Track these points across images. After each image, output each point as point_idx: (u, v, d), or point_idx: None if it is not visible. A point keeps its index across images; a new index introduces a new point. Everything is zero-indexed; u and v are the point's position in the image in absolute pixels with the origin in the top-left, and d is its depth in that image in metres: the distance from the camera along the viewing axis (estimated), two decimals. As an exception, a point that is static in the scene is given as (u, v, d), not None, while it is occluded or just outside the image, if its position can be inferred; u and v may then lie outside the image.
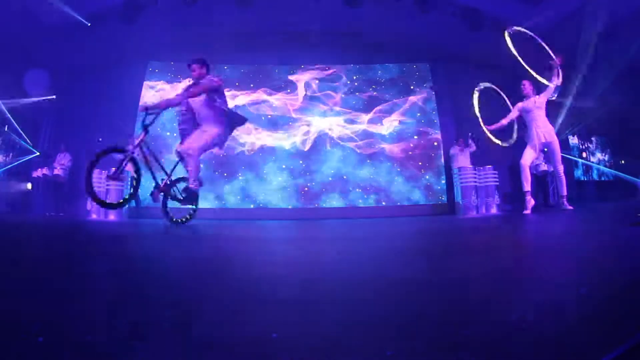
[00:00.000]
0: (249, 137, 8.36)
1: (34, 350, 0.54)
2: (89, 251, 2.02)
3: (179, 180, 4.03)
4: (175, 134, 6.54)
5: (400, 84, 8.95)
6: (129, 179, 4.71)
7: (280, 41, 8.56)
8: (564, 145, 7.16)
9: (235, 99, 8.49)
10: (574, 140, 8.86)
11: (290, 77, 8.89)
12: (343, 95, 8.84)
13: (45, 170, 7.44)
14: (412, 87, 8.90)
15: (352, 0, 7.54)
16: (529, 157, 4.99)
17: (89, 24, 7.48)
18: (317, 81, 8.89)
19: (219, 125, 3.79)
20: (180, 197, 3.94)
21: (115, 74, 8.15)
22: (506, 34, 4.90)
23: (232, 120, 3.97)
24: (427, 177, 8.41)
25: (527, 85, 5.06)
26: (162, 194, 3.85)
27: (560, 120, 7.68)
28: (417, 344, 0.56)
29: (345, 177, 8.34)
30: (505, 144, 5.20)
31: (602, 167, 8.48)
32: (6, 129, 7.80)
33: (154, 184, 3.79)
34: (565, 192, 4.90)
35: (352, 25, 8.25)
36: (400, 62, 9.12)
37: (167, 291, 0.98)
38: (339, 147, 8.52)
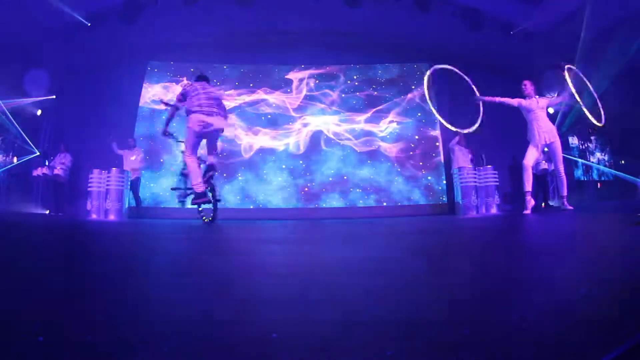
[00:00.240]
0: (248, 138, 8.36)
1: (34, 350, 0.54)
2: (89, 251, 2.02)
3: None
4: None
5: (401, 83, 8.96)
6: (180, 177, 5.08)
7: (280, 41, 8.57)
8: (564, 145, 7.15)
9: (236, 99, 8.49)
10: (574, 141, 8.86)
11: (290, 77, 8.89)
12: (343, 95, 8.84)
13: (45, 170, 7.44)
14: (412, 87, 8.90)
15: (352, 0, 7.54)
16: (531, 157, 4.98)
17: (89, 24, 7.49)
18: (316, 81, 8.89)
19: None
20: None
21: (115, 74, 8.15)
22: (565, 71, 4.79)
23: None
24: (427, 177, 8.41)
25: (528, 85, 5.04)
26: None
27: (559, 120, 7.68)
28: (417, 344, 0.56)
29: (345, 177, 8.34)
30: (461, 130, 5.46)
31: (602, 167, 8.47)
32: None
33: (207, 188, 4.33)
34: (565, 192, 4.90)
35: (352, 25, 8.25)
36: (401, 62, 9.12)
37: (167, 291, 0.98)
38: (339, 147, 8.51)
